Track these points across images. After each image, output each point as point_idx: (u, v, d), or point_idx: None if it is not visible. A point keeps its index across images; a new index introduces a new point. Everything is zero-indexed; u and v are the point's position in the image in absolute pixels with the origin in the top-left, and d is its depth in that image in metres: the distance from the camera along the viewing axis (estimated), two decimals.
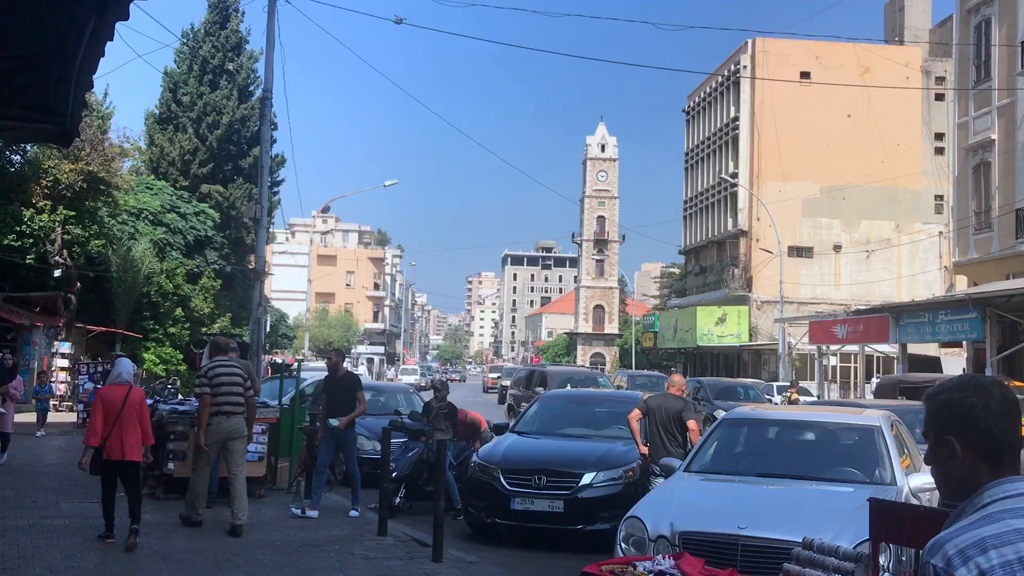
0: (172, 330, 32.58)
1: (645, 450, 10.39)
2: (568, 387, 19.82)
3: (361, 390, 11.40)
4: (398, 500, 11.45)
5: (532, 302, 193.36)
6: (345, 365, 12.02)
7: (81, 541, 9.32)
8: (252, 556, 8.94)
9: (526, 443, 11.12)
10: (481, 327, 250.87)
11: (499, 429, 12.15)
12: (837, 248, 58.90)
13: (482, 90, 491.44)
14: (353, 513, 11.05)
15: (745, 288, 58.57)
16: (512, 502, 9.99)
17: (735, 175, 58.82)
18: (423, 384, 48.71)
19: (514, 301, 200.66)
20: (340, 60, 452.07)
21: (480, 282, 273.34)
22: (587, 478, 9.97)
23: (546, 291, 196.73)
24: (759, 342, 55.59)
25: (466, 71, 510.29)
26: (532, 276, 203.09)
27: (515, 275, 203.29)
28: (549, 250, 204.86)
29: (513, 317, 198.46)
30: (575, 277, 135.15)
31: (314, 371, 21.78)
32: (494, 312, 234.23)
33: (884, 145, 57.50)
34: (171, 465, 11.70)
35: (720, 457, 8.00)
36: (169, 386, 22.32)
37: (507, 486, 10.07)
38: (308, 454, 11.98)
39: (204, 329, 31.89)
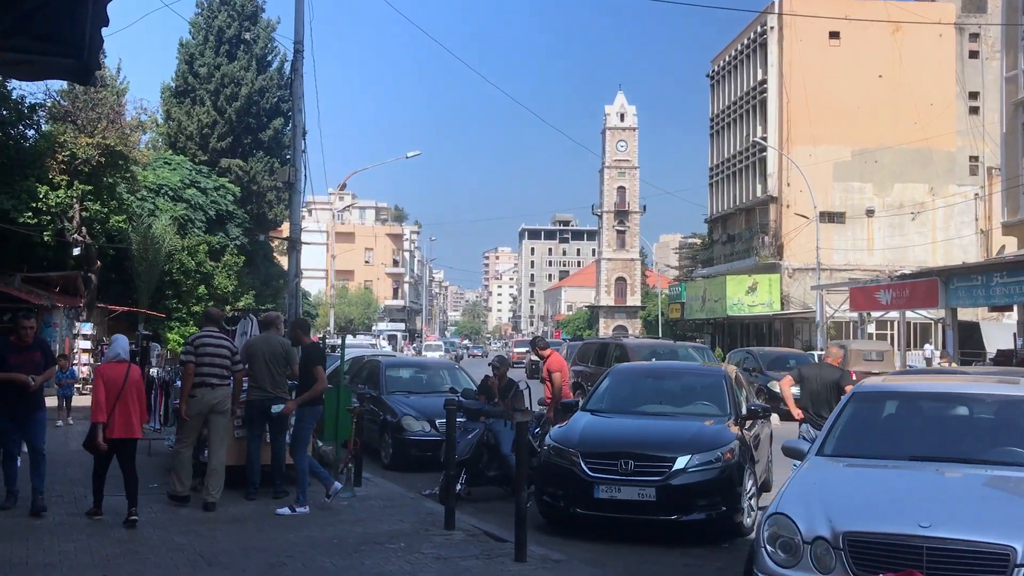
0: (195, 309, 31.62)
1: (800, 414, 10.64)
2: (653, 361, 18.44)
3: (320, 364, 10.03)
4: (459, 487, 10.35)
5: (550, 276, 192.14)
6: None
7: (113, 543, 8.29)
8: (309, 558, 7.86)
9: (604, 423, 9.93)
10: (499, 302, 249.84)
11: (568, 408, 10.98)
12: (870, 213, 57.36)
13: (499, 62, 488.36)
14: (281, 511, 9.50)
15: (776, 256, 57.16)
16: (596, 490, 8.81)
17: (764, 139, 57.28)
18: (449, 359, 47.78)
19: (532, 275, 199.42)
20: (352, 39, 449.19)
21: (497, 257, 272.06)
22: (681, 462, 8.77)
23: (564, 264, 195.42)
24: (792, 310, 54.25)
25: (480, 44, 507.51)
26: (550, 250, 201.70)
27: (532, 249, 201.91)
28: (566, 223, 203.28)
29: (531, 291, 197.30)
30: (593, 250, 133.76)
31: (351, 348, 20.77)
32: (512, 287, 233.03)
33: (916, 105, 55.75)
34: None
35: (857, 438, 6.76)
36: None
37: (589, 472, 8.90)
38: (357, 438, 10.95)
39: (228, 307, 30.83)
